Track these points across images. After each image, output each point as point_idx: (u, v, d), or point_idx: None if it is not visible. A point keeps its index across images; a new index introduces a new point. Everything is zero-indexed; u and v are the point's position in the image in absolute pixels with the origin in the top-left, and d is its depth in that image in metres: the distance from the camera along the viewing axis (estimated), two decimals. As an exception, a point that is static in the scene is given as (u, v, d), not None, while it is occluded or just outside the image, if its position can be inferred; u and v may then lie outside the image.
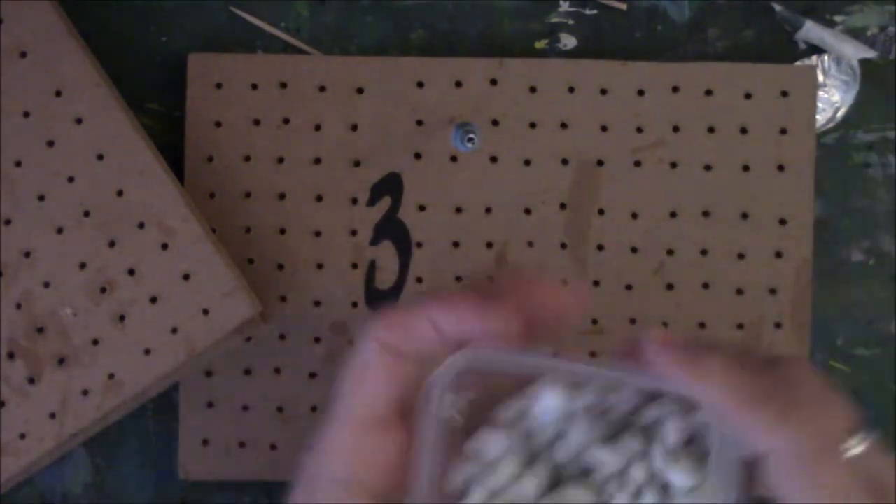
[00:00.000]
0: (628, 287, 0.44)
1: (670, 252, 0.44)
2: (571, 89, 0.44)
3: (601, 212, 0.44)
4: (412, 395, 0.29)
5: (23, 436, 0.42)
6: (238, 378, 0.44)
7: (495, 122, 0.44)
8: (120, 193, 0.42)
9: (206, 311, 0.41)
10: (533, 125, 0.45)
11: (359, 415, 0.29)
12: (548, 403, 0.29)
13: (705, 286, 0.44)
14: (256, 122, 0.45)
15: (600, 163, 0.44)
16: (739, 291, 0.44)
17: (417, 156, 0.45)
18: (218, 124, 0.45)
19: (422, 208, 0.44)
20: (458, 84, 0.45)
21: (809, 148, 0.44)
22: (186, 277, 0.42)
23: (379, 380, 0.29)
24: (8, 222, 0.42)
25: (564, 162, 0.44)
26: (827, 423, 0.26)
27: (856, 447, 0.26)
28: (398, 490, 0.29)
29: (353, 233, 0.45)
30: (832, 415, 0.27)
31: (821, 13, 0.46)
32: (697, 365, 0.27)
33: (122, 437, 0.45)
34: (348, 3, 0.46)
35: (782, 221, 0.44)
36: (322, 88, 0.45)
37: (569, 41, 0.46)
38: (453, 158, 0.45)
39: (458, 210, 0.44)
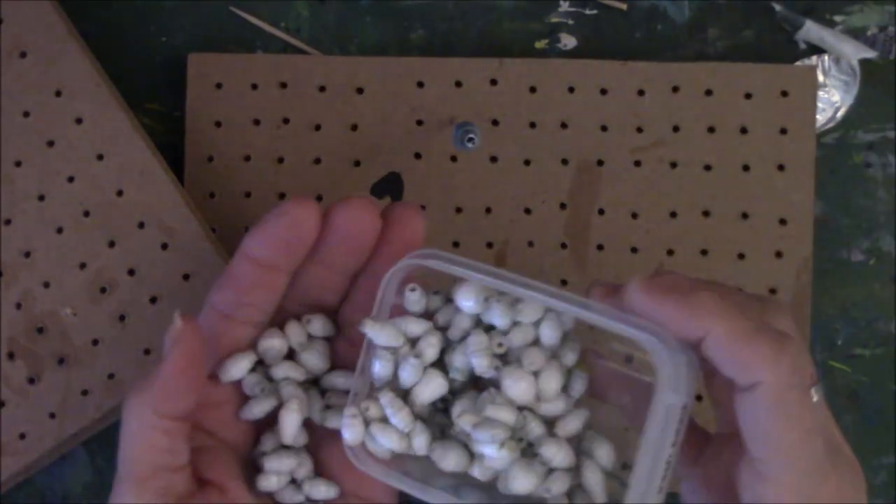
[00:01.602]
0: (628, 287, 0.44)
1: (670, 252, 0.44)
2: (571, 89, 0.44)
3: (601, 212, 0.44)
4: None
5: (23, 436, 0.42)
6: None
7: (495, 122, 0.44)
8: (120, 193, 0.42)
9: (206, 311, 0.41)
10: (533, 125, 0.45)
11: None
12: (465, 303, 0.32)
13: (705, 286, 0.44)
14: (256, 122, 0.45)
15: (600, 163, 0.44)
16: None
17: (417, 156, 0.45)
18: (218, 124, 0.45)
19: (422, 208, 0.45)
20: (458, 84, 0.45)
21: (809, 148, 0.44)
22: (186, 277, 0.42)
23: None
24: (8, 222, 0.42)
25: (564, 162, 0.44)
26: (805, 364, 0.27)
27: (815, 395, 0.28)
28: None
29: (353, 233, 0.45)
30: (807, 359, 0.28)
31: (821, 13, 0.46)
32: (689, 303, 0.27)
33: (122, 437, 0.45)
34: (348, 3, 0.46)
35: (782, 221, 0.44)
36: (322, 88, 0.45)
37: (569, 41, 0.46)
38: (453, 158, 0.45)
39: (458, 210, 0.44)
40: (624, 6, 0.46)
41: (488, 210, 0.45)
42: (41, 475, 0.45)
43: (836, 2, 0.46)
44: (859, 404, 0.45)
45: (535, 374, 0.31)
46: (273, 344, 0.33)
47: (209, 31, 0.46)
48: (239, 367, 0.33)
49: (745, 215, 0.44)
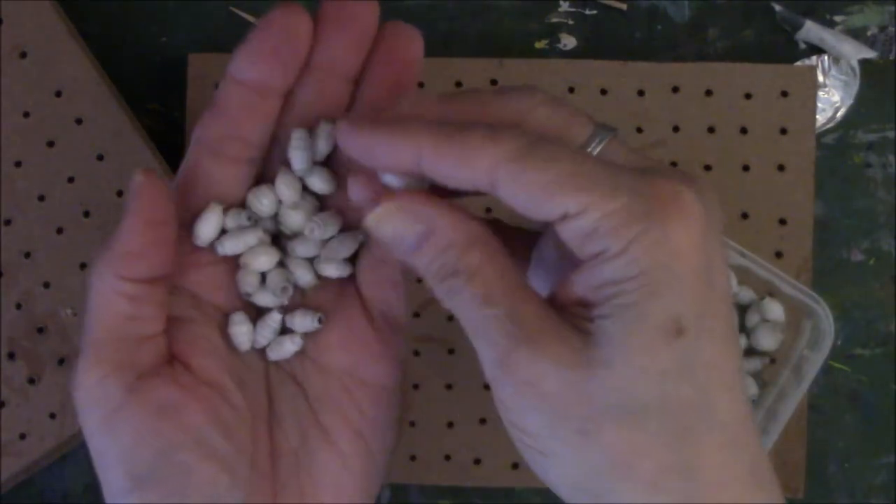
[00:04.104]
0: (628, 287, 0.44)
1: (670, 252, 0.44)
2: (571, 89, 0.44)
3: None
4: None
5: (23, 436, 0.42)
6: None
7: (495, 122, 0.44)
8: (120, 194, 0.42)
9: (206, 311, 0.41)
10: (533, 125, 0.44)
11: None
12: None
13: (705, 286, 0.44)
14: (256, 122, 0.45)
15: (600, 163, 0.44)
16: (739, 291, 0.44)
17: (417, 156, 0.45)
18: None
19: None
20: (458, 84, 0.44)
21: (809, 148, 0.44)
22: (186, 277, 0.42)
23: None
24: (8, 222, 0.42)
25: (564, 162, 0.44)
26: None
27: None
28: None
29: (353, 233, 0.45)
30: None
31: (821, 13, 0.46)
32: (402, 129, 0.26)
33: (122, 437, 0.45)
34: (348, 3, 0.46)
35: (782, 221, 0.44)
36: (322, 88, 0.45)
37: (569, 41, 0.46)
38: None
39: (458, 210, 0.44)
40: (624, 6, 0.46)
41: (488, 210, 0.44)
42: (41, 475, 0.45)
43: (836, 2, 0.46)
44: (859, 404, 0.45)
45: None
46: (262, 201, 0.29)
47: (209, 31, 0.46)
48: (210, 226, 0.28)
49: (745, 215, 0.44)
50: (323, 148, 0.29)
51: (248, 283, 0.29)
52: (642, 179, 0.23)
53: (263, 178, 0.30)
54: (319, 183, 0.29)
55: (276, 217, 0.30)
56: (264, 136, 0.29)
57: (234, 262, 0.29)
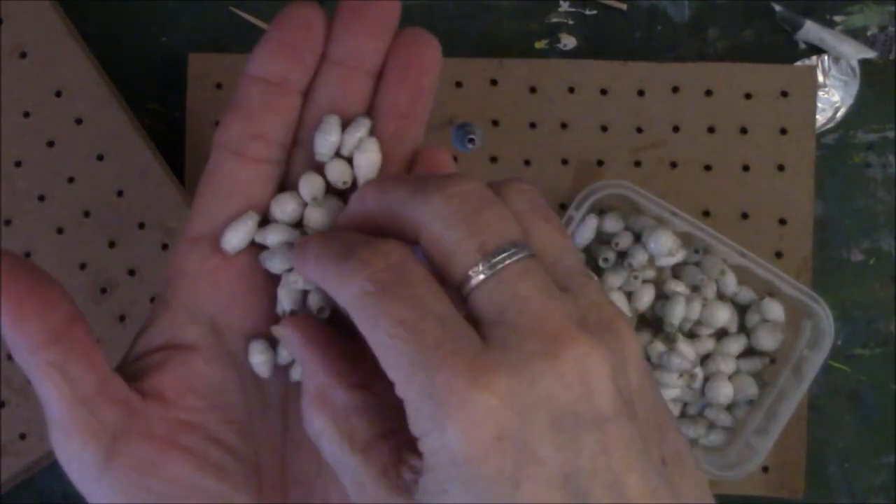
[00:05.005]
0: (628, 287, 0.44)
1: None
2: (571, 89, 0.44)
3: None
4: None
5: (23, 436, 0.42)
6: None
7: (495, 123, 0.44)
8: (120, 194, 0.42)
9: (206, 311, 0.41)
10: (533, 125, 0.45)
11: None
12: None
13: (705, 286, 0.44)
14: (256, 122, 0.45)
15: (600, 163, 0.44)
16: (739, 291, 0.44)
17: (417, 156, 0.45)
18: (218, 124, 0.45)
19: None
20: (458, 84, 0.44)
21: (809, 148, 0.44)
22: (186, 277, 0.42)
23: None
24: (8, 222, 0.42)
25: (564, 162, 0.44)
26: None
27: (477, 275, 0.23)
28: None
29: (353, 233, 0.45)
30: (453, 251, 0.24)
31: (821, 13, 0.46)
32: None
33: (122, 437, 0.45)
34: (348, 3, 0.46)
35: (782, 221, 0.44)
36: (322, 88, 0.45)
37: (569, 41, 0.46)
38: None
39: (458, 210, 0.44)
40: (624, 6, 0.46)
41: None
42: (41, 475, 0.45)
43: (836, 2, 0.46)
44: (859, 404, 0.45)
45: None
46: (285, 208, 0.28)
47: (209, 31, 0.46)
48: (241, 234, 0.27)
49: (745, 215, 0.44)
50: (349, 143, 0.28)
51: (291, 300, 0.28)
52: (447, 368, 0.22)
53: (287, 186, 0.29)
54: (336, 174, 0.28)
55: (301, 226, 0.28)
56: (286, 136, 0.28)
57: (260, 282, 0.28)
